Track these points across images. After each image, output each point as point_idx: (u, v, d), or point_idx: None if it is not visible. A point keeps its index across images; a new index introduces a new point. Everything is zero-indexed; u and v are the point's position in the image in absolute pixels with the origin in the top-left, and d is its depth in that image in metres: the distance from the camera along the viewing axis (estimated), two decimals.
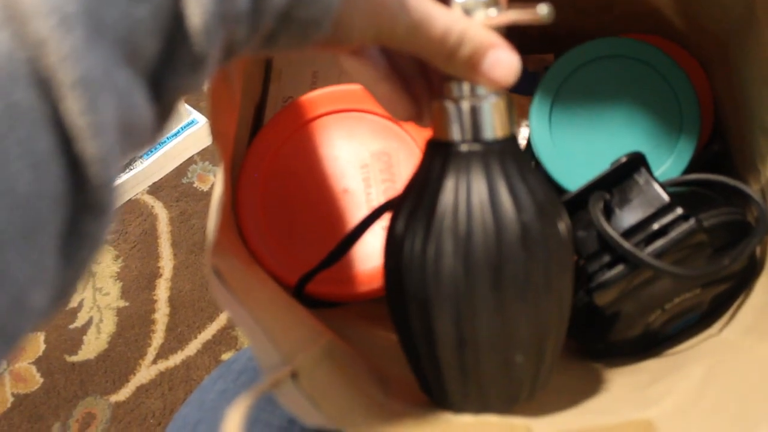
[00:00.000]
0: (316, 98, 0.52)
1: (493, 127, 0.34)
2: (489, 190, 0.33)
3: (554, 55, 0.65)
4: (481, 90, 0.33)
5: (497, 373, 0.36)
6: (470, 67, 0.32)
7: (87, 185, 0.20)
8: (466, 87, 0.34)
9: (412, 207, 0.35)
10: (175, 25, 0.23)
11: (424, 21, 0.30)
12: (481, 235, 0.33)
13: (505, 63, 0.31)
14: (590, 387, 0.44)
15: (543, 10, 0.31)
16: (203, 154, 1.06)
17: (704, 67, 0.57)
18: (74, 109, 0.19)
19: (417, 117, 0.36)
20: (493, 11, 0.32)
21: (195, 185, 1.04)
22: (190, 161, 1.06)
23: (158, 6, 0.22)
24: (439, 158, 0.35)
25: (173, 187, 1.03)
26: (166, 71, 0.23)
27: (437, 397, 0.39)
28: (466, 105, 0.33)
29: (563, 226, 0.36)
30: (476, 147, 0.34)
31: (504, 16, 0.32)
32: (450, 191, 0.34)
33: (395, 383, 0.42)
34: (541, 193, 0.35)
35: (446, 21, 0.30)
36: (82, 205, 0.20)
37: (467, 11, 0.32)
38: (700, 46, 0.56)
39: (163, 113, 0.25)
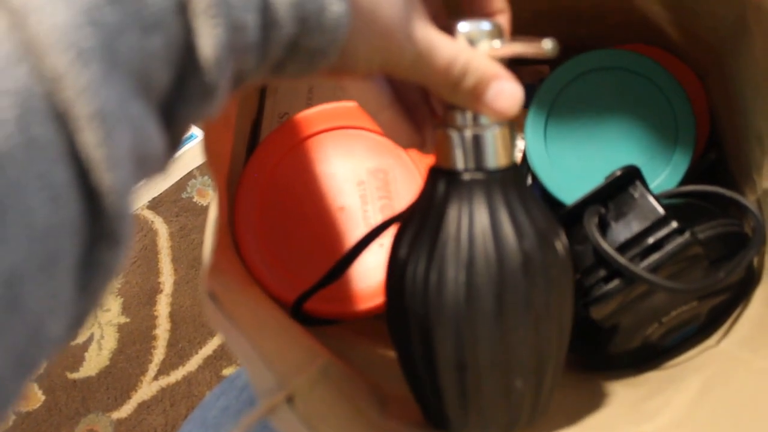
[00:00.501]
0: (312, 115, 0.52)
1: (496, 156, 0.34)
2: (491, 218, 0.34)
3: (549, 67, 0.65)
4: (484, 119, 0.34)
5: (497, 398, 0.37)
6: (474, 97, 0.32)
7: (103, 216, 0.20)
8: (469, 116, 0.34)
9: (415, 232, 0.36)
10: (186, 56, 0.23)
11: (429, 51, 0.30)
12: (483, 262, 0.34)
13: (508, 94, 0.32)
14: (588, 402, 0.44)
15: (547, 45, 0.31)
16: (203, 168, 1.06)
17: (699, 77, 0.57)
18: (91, 141, 0.19)
19: (420, 144, 0.37)
20: (497, 42, 0.33)
21: (194, 200, 1.04)
22: (190, 176, 1.06)
23: (171, 38, 0.22)
24: (441, 185, 0.35)
25: (173, 202, 1.03)
26: (177, 101, 0.24)
27: (437, 421, 0.39)
28: (469, 134, 0.34)
29: (563, 250, 0.37)
30: (479, 176, 0.34)
31: (508, 48, 0.32)
32: (453, 219, 0.35)
33: (393, 402, 0.42)
34: (542, 220, 0.36)
35: (451, 51, 0.31)
36: (98, 235, 0.20)
37: (471, 41, 0.33)
38: (695, 56, 0.56)
39: (174, 141, 0.25)
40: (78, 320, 0.21)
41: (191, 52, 0.23)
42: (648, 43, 0.58)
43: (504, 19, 0.35)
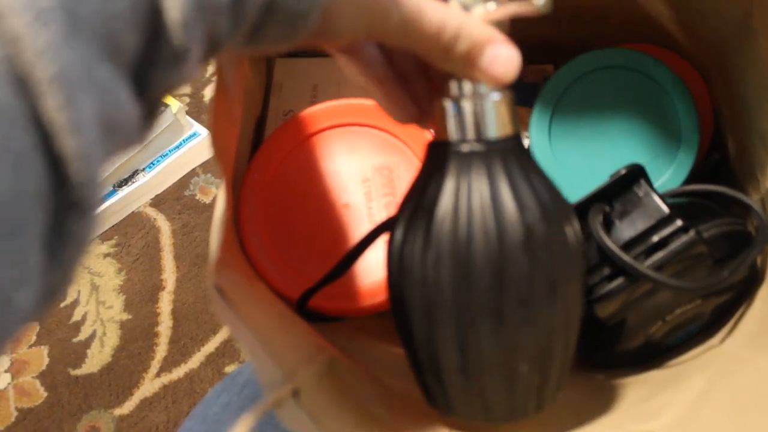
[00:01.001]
0: (316, 113, 0.52)
1: (495, 126, 0.33)
2: (491, 190, 0.33)
3: (553, 66, 0.65)
4: (483, 88, 0.33)
5: (500, 383, 0.36)
6: (468, 63, 0.31)
7: (69, 183, 0.19)
8: (466, 85, 0.33)
9: (411, 212, 0.35)
10: (153, 18, 0.22)
11: (418, 14, 0.29)
12: (482, 238, 0.33)
13: (504, 58, 0.31)
14: (591, 399, 0.44)
15: (539, 1, 0.30)
16: (205, 166, 1.07)
17: (703, 76, 0.57)
18: (52, 105, 0.19)
19: (418, 119, 0.36)
20: (491, 4, 0.31)
21: (197, 197, 1.04)
22: (192, 174, 1.06)
23: (136, 0, 0.21)
24: (439, 159, 0.34)
25: (176, 199, 1.03)
26: (148, 66, 0.23)
27: (441, 406, 0.39)
28: (467, 103, 0.33)
29: (571, 230, 0.35)
30: (477, 146, 0.33)
31: (502, 10, 0.31)
32: (450, 193, 0.33)
33: (398, 397, 0.42)
34: (546, 194, 0.34)
35: (441, 15, 0.29)
36: (65, 203, 0.20)
37: (465, 6, 0.32)
38: (699, 56, 0.56)
39: (149, 110, 0.24)
40: (51, 291, 0.21)
41: (158, 14, 0.22)
42: (652, 42, 0.58)
43: None
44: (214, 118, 0.35)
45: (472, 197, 0.33)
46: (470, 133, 0.33)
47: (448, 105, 0.33)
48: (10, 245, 0.18)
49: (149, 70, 0.23)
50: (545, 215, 0.33)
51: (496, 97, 0.33)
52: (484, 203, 0.33)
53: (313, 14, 0.26)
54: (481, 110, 0.33)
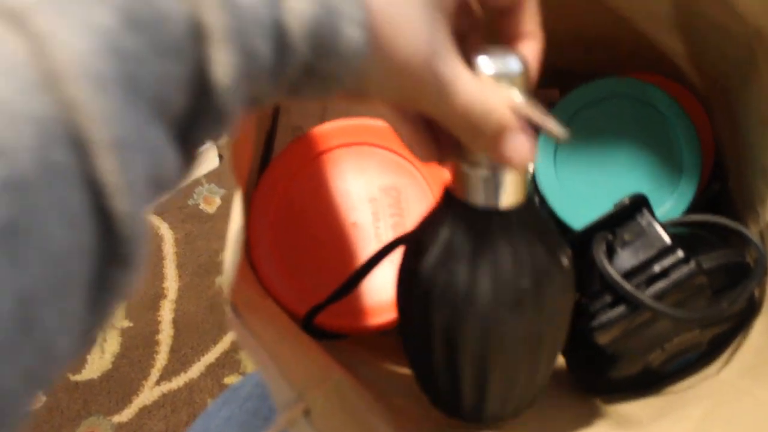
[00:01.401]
0: (326, 131, 0.53)
1: (507, 195, 0.35)
2: (493, 254, 0.36)
3: (559, 90, 0.66)
4: None
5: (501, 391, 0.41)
6: (491, 146, 0.31)
7: (116, 239, 0.20)
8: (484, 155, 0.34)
9: (428, 244, 0.38)
10: (201, 81, 0.23)
11: (450, 90, 0.29)
12: (482, 298, 0.36)
13: (525, 147, 0.31)
14: (588, 425, 0.44)
15: (561, 133, 0.31)
16: (209, 176, 1.07)
17: (706, 108, 0.58)
18: (109, 168, 0.19)
19: (438, 158, 0.36)
20: (517, 95, 0.32)
21: (201, 207, 1.05)
22: (196, 183, 1.07)
23: (186, 64, 0.22)
24: (451, 213, 0.36)
25: (179, 208, 1.04)
26: (192, 125, 0.24)
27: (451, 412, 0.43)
28: (483, 172, 0.34)
29: (563, 279, 0.39)
30: (487, 214, 0.35)
31: (527, 110, 0.31)
32: (460, 246, 0.36)
33: (401, 415, 0.43)
34: (544, 258, 0.37)
35: (473, 95, 0.30)
36: (111, 257, 0.20)
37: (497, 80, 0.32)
38: (702, 87, 0.57)
39: (187, 161, 0.25)
40: (87, 336, 0.21)
41: (206, 77, 0.23)
42: (657, 72, 0.59)
43: (534, 45, 0.34)
44: (233, 137, 0.36)
45: (477, 256, 0.36)
46: (482, 199, 0.35)
47: (465, 170, 0.35)
48: (57, 298, 0.19)
49: (193, 128, 0.24)
50: (539, 281, 0.37)
51: (511, 170, 0.34)
52: (486, 263, 0.36)
53: (347, 79, 0.27)
54: (495, 181, 0.34)
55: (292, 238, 0.51)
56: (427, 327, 0.38)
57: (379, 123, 0.52)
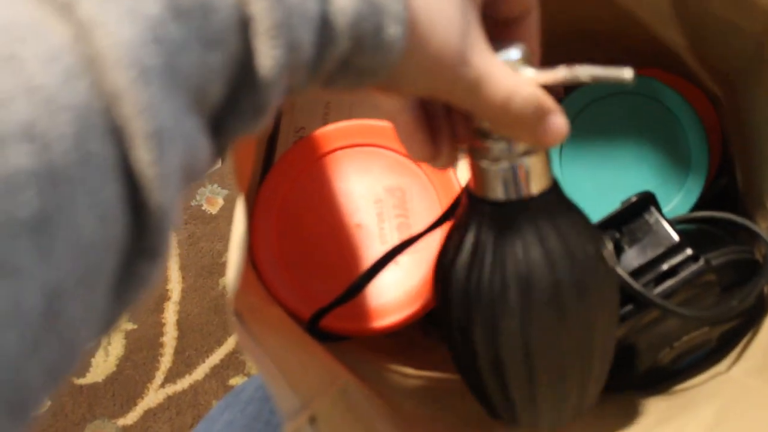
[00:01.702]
0: (329, 132, 0.52)
1: (530, 184, 0.34)
2: (523, 248, 0.35)
3: (565, 91, 0.66)
4: (519, 148, 0.33)
5: (542, 396, 0.39)
6: (528, 131, 0.31)
7: (146, 232, 0.20)
8: (501, 147, 0.33)
9: (459, 242, 0.37)
10: (242, 73, 0.23)
11: (487, 82, 0.29)
12: (515, 290, 0.35)
13: (560, 128, 0.31)
14: (598, 425, 0.44)
15: (581, 73, 0.31)
16: (212, 176, 1.07)
17: (713, 103, 0.58)
18: (145, 159, 0.19)
19: (431, 159, 0.36)
20: (530, 70, 0.32)
21: (203, 208, 1.04)
22: (199, 184, 1.06)
23: (230, 55, 0.22)
24: (477, 213, 0.36)
25: (182, 209, 1.04)
26: (228, 115, 0.24)
27: (489, 411, 0.42)
28: (504, 165, 0.34)
29: (602, 268, 0.37)
30: (513, 207, 0.34)
31: (549, 75, 0.31)
32: (487, 249, 0.35)
33: (408, 419, 0.42)
34: (578, 243, 0.36)
35: (511, 84, 0.29)
36: (139, 249, 0.20)
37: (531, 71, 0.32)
38: (710, 83, 0.57)
39: (219, 152, 0.25)
40: (107, 327, 0.21)
41: (248, 69, 0.23)
42: (663, 68, 0.59)
43: (533, 20, 0.34)
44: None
45: (505, 254, 0.35)
46: (505, 193, 0.34)
47: (485, 166, 0.34)
48: (84, 291, 0.18)
49: (229, 118, 0.23)
50: (574, 267, 0.35)
51: (531, 157, 0.34)
52: (516, 260, 0.35)
53: (382, 73, 0.27)
54: (517, 172, 0.34)
55: (296, 241, 0.50)
56: (468, 334, 0.37)
57: (382, 124, 0.52)
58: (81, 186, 0.18)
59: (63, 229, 0.18)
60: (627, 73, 0.30)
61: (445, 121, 0.35)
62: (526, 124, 0.31)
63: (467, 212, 0.37)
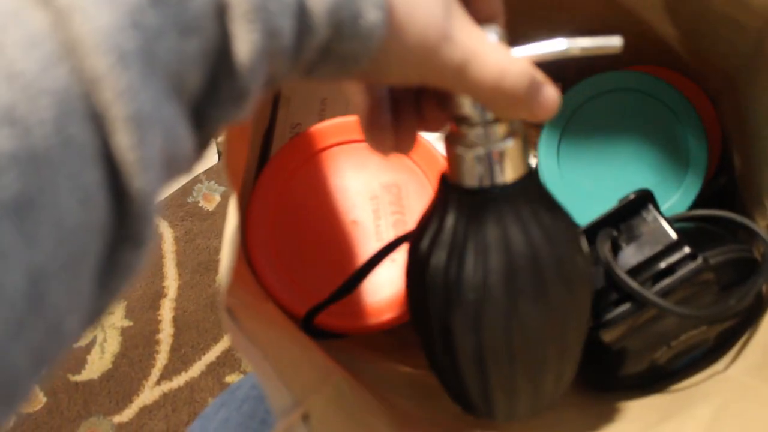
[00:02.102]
0: (325, 129, 0.52)
1: (507, 170, 0.34)
2: (503, 234, 0.34)
3: (562, 84, 0.66)
4: (497, 134, 0.33)
5: (521, 385, 0.38)
6: (521, 106, 0.31)
7: (128, 217, 0.20)
8: (479, 132, 0.33)
9: (434, 233, 0.36)
10: (221, 59, 0.23)
11: (476, 61, 0.28)
12: (496, 275, 0.34)
13: (552, 99, 0.31)
14: (595, 424, 0.44)
15: (616, 42, 0.30)
16: (209, 173, 1.07)
17: (712, 100, 0.57)
18: (125, 144, 0.19)
19: (392, 150, 0.35)
20: (518, 49, 0.31)
21: (200, 204, 1.04)
22: (196, 180, 1.06)
23: (207, 41, 0.22)
24: (453, 201, 0.35)
25: (178, 206, 1.03)
26: (209, 104, 0.24)
27: (463, 404, 0.41)
28: (480, 152, 0.33)
29: (580, 258, 0.37)
30: (489, 194, 0.34)
31: (534, 49, 0.31)
32: (466, 233, 0.35)
33: (403, 417, 0.42)
34: (557, 230, 0.35)
35: (501, 62, 0.29)
36: (123, 236, 0.20)
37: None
38: (709, 80, 0.56)
39: (202, 143, 0.25)
40: (94, 316, 0.21)
41: (226, 56, 0.23)
42: (662, 65, 0.58)
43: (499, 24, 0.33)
44: (227, 137, 0.35)
45: (487, 240, 0.34)
46: (482, 180, 0.34)
47: (462, 153, 0.34)
48: (69, 275, 0.19)
49: (210, 106, 0.24)
50: (553, 250, 0.35)
51: (509, 143, 0.33)
52: (497, 246, 0.34)
53: (365, 58, 0.26)
54: (494, 157, 0.33)
55: (291, 237, 0.50)
56: (447, 325, 0.36)
57: None
58: (62, 170, 0.18)
59: (45, 212, 0.18)
60: (616, 41, 0.30)
61: (412, 107, 0.35)
62: (520, 100, 0.30)
63: (443, 200, 0.36)
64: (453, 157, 0.34)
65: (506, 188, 0.34)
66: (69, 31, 0.19)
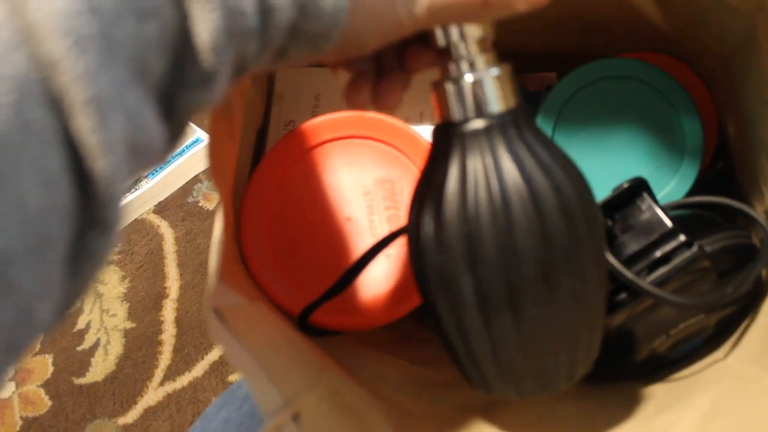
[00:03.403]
0: (318, 125, 0.52)
1: (496, 101, 0.34)
2: (495, 165, 0.33)
3: (557, 74, 0.65)
4: (481, 64, 0.33)
5: (530, 359, 0.36)
6: (508, 2, 0.31)
7: (94, 202, 0.20)
8: (464, 64, 0.33)
9: (422, 197, 0.36)
10: (183, 42, 0.23)
11: None
12: (489, 212, 0.33)
13: None
14: (595, 415, 0.43)
15: None
16: (208, 172, 1.06)
17: (708, 86, 0.57)
18: (85, 127, 0.19)
19: (365, 106, 0.36)
20: None
21: (201, 204, 1.04)
22: (195, 180, 1.06)
23: (166, 24, 0.22)
24: (443, 141, 0.35)
25: (179, 206, 1.03)
26: (176, 88, 0.24)
27: (475, 381, 0.39)
28: (467, 83, 0.33)
29: (582, 191, 0.35)
30: (479, 123, 0.33)
31: None
32: (455, 173, 0.34)
33: (402, 415, 0.42)
34: (551, 160, 0.34)
35: None
36: (89, 221, 0.21)
37: None
38: (704, 65, 0.56)
39: (175, 131, 0.25)
40: (66, 305, 0.22)
41: (188, 38, 0.23)
42: (657, 51, 0.58)
43: None
44: (212, 138, 0.35)
45: (477, 174, 0.33)
46: (472, 112, 0.34)
47: (448, 86, 0.34)
48: (36, 259, 0.19)
49: (177, 92, 0.24)
50: (551, 182, 0.33)
51: (495, 72, 0.34)
52: (489, 179, 0.33)
53: (334, 34, 0.27)
54: (481, 88, 0.33)
55: (286, 235, 0.50)
56: (442, 269, 0.35)
57: (372, 115, 0.51)
58: (23, 153, 0.18)
59: (8, 195, 0.18)
60: None
61: (397, 72, 0.36)
62: None
63: (435, 143, 0.36)
64: (441, 96, 0.34)
65: (495, 117, 0.33)
66: (24, 17, 0.19)
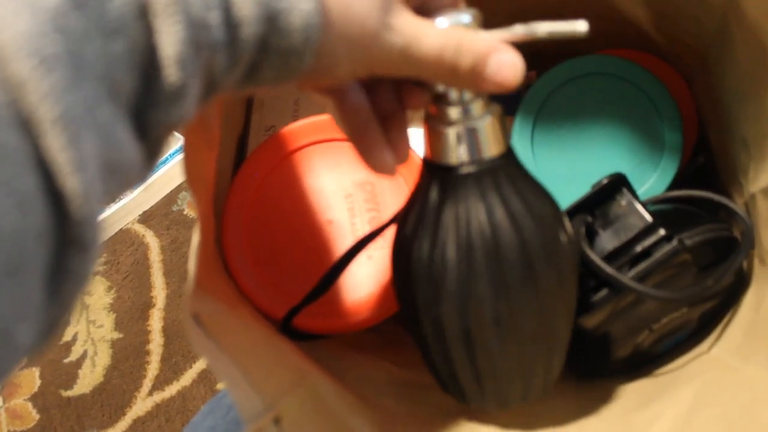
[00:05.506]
0: (298, 129, 0.52)
1: (488, 146, 0.34)
2: (486, 212, 0.34)
3: (536, 72, 0.65)
4: (475, 111, 0.34)
5: (508, 370, 0.39)
6: (475, 77, 0.30)
7: (69, 220, 0.20)
8: (457, 110, 0.34)
9: (418, 217, 0.37)
10: (150, 57, 0.23)
11: (417, 39, 0.29)
12: (482, 252, 0.35)
13: (508, 63, 0.30)
14: (579, 412, 0.43)
15: (582, 27, 0.31)
16: None
17: (687, 80, 0.57)
18: (55, 145, 0.19)
19: (393, 168, 0.36)
20: (483, 32, 0.31)
21: (185, 213, 1.04)
22: (180, 188, 1.06)
23: (133, 41, 0.22)
24: (436, 181, 0.35)
25: (163, 215, 1.03)
26: (147, 106, 0.24)
27: (455, 394, 0.41)
28: (460, 129, 0.34)
29: (563, 233, 0.37)
30: (471, 169, 0.34)
31: (509, 33, 0.31)
32: (450, 213, 0.35)
33: (386, 418, 0.42)
34: (540, 205, 0.36)
35: (438, 36, 0.29)
36: (66, 240, 0.20)
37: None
38: (681, 59, 0.56)
39: (152, 149, 0.25)
40: (50, 327, 0.21)
41: (154, 53, 0.23)
42: (635, 47, 0.58)
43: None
44: (187, 149, 0.35)
45: (470, 219, 0.35)
46: (463, 156, 0.34)
47: (442, 130, 0.34)
48: (12, 282, 0.19)
49: (149, 109, 0.24)
50: (539, 227, 0.35)
51: (487, 119, 0.34)
52: (481, 224, 0.35)
53: (307, 52, 0.26)
54: (474, 134, 0.34)
55: (268, 239, 0.49)
56: (431, 306, 0.37)
57: None
58: None
59: None
60: (581, 26, 0.31)
61: (402, 120, 0.36)
62: (469, 70, 0.30)
63: (425, 181, 0.36)
64: (433, 136, 0.35)
65: (486, 164, 0.34)
66: None
